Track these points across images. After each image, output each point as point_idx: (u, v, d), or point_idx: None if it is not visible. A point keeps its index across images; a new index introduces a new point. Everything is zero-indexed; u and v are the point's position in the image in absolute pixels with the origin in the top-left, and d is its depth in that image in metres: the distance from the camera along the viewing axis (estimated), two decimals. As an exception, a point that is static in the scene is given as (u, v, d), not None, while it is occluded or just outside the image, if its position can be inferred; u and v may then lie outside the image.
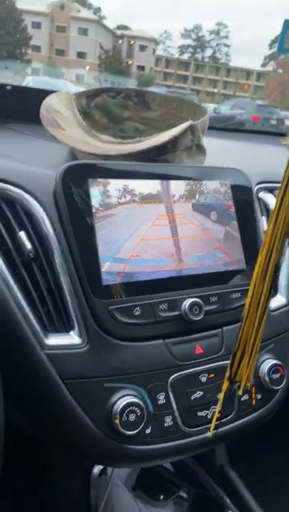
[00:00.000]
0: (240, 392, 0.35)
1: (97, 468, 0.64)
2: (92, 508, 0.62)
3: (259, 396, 0.48)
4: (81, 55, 38.95)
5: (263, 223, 0.57)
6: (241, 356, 0.34)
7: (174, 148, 0.54)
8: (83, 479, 0.63)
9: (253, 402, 0.48)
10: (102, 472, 0.64)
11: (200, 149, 0.59)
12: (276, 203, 0.30)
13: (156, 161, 0.53)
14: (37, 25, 37.78)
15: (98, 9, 50.72)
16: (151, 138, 0.56)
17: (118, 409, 0.39)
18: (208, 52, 51.18)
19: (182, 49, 52.00)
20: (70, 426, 0.40)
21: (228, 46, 51.25)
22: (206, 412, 0.44)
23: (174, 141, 0.53)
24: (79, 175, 0.43)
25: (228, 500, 0.64)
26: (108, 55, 37.10)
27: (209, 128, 0.63)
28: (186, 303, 0.45)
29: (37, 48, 37.15)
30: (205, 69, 48.17)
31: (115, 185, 0.45)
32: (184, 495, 0.62)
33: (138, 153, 0.51)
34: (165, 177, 0.48)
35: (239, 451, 0.68)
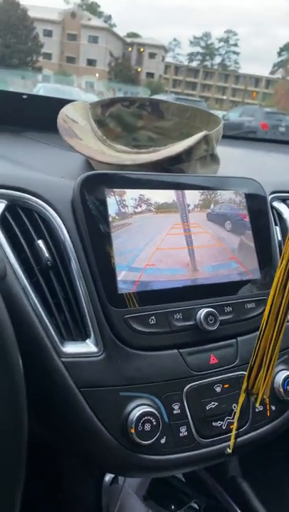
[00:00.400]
0: (257, 405, 0.35)
1: (108, 477, 0.64)
2: (104, 516, 0.62)
3: (274, 407, 0.48)
4: (91, 62, 39.39)
5: (277, 233, 0.57)
6: (258, 368, 0.34)
7: (189, 158, 0.55)
8: (95, 488, 0.63)
9: (268, 414, 0.47)
10: (114, 481, 0.64)
11: (214, 159, 0.59)
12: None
13: (170, 171, 0.53)
14: (48, 33, 38.37)
15: (109, 17, 51.38)
16: (166, 148, 0.56)
17: (134, 419, 0.39)
18: (218, 59, 51.46)
19: (191, 56, 52.34)
20: (86, 434, 0.40)
21: (238, 54, 51.50)
22: (221, 422, 0.44)
23: (189, 151, 0.54)
24: (96, 184, 0.44)
25: (240, 512, 0.63)
26: (118, 63, 37.47)
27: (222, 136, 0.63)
28: (201, 313, 0.45)
29: (48, 56, 37.68)
30: (214, 76, 48.38)
31: (131, 194, 0.46)
32: (196, 506, 0.62)
33: (153, 163, 0.52)
34: (180, 186, 0.49)
35: (251, 463, 0.67)
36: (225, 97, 46.03)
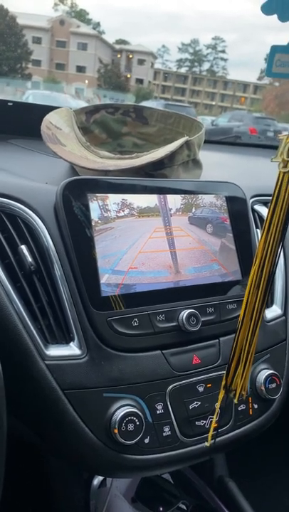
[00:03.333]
0: (235, 401, 0.36)
1: (96, 480, 0.64)
2: (92, 519, 0.62)
3: (256, 406, 0.49)
4: (80, 69, 39.51)
5: (258, 235, 0.58)
6: (236, 365, 0.35)
7: (171, 163, 0.56)
8: (83, 490, 0.63)
9: (251, 412, 0.48)
10: (102, 484, 0.64)
11: (196, 164, 0.61)
12: (267, 214, 0.31)
13: (153, 176, 0.54)
14: (37, 40, 38.41)
15: (97, 24, 51.67)
16: (148, 153, 0.57)
17: (117, 419, 0.40)
18: (206, 65, 52.02)
19: (180, 63, 52.83)
20: (70, 435, 0.40)
21: (225, 60, 52.11)
22: (204, 421, 0.45)
23: (171, 157, 0.55)
24: (79, 190, 0.45)
25: (227, 512, 0.63)
26: (107, 69, 37.63)
27: (206, 142, 0.64)
28: (184, 314, 0.46)
29: (37, 63, 37.70)
30: (203, 82, 48.85)
31: (114, 199, 0.46)
32: (184, 507, 0.62)
33: (136, 169, 0.53)
34: (162, 191, 0.50)
35: (238, 462, 0.68)
36: (214, 103, 46.48)
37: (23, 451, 0.39)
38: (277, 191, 0.31)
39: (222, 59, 52.03)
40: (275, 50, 0.28)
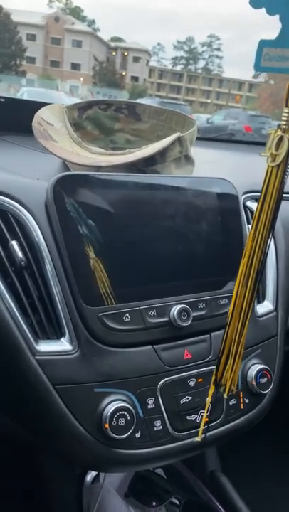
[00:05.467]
0: (225, 396, 0.36)
1: (90, 476, 0.64)
2: (85, 515, 0.62)
3: (247, 400, 0.49)
4: (75, 66, 39.35)
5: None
6: (226, 360, 0.35)
7: (163, 160, 0.56)
8: (76, 486, 0.63)
9: (242, 407, 0.48)
10: (95, 479, 0.64)
11: (188, 160, 0.61)
12: (256, 210, 0.32)
13: (145, 172, 0.54)
14: (32, 37, 38.19)
15: (92, 21, 51.45)
16: (140, 149, 0.57)
17: (108, 414, 0.40)
18: (201, 63, 52.01)
19: (175, 61, 52.79)
20: (61, 431, 0.40)
21: (221, 58, 52.12)
22: (195, 416, 0.45)
23: (163, 153, 0.55)
24: (70, 185, 0.44)
25: (219, 506, 0.64)
26: (102, 67, 37.51)
27: (200, 139, 0.65)
28: (175, 309, 0.46)
29: (32, 60, 37.48)
30: (198, 80, 48.84)
31: (105, 195, 0.46)
32: (176, 501, 0.63)
33: (128, 164, 0.53)
34: (154, 187, 0.50)
35: (231, 457, 0.68)
36: (209, 101, 46.49)
37: (13, 447, 0.39)
38: (265, 185, 0.31)
39: (217, 57, 52.07)
40: (263, 44, 0.28)
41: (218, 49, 52.36)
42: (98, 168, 0.53)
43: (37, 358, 0.40)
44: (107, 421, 0.40)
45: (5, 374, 0.39)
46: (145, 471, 0.63)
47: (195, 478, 0.66)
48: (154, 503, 0.61)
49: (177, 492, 0.63)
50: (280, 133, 0.29)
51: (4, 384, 0.38)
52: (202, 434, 0.42)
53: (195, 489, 0.65)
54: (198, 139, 0.62)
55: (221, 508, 0.63)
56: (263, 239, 0.32)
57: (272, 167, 0.30)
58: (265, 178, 0.31)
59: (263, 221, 0.31)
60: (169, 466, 0.67)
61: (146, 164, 0.55)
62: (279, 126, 0.29)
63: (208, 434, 0.45)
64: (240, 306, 0.33)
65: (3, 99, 0.77)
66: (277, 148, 0.29)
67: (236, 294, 0.33)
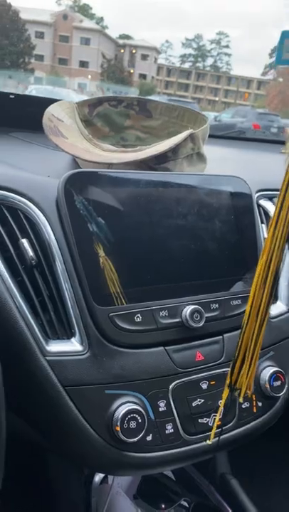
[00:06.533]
0: (240, 400, 0.36)
1: (98, 477, 0.64)
2: (93, 516, 0.61)
3: (260, 403, 0.48)
4: (83, 64, 39.34)
5: (263, 230, 0.57)
6: (241, 363, 0.34)
7: (175, 157, 0.55)
8: (84, 487, 0.63)
9: (254, 410, 0.47)
10: (103, 480, 0.63)
11: (200, 157, 0.60)
12: (275, 210, 0.31)
13: (157, 169, 0.53)
14: (40, 35, 38.24)
15: (101, 19, 51.35)
16: (152, 146, 0.56)
17: (119, 416, 0.39)
18: (209, 61, 51.72)
19: (183, 58, 52.53)
20: (71, 432, 0.40)
21: (229, 55, 51.76)
22: (207, 419, 0.44)
23: (175, 150, 0.54)
24: (81, 183, 0.44)
25: (229, 510, 0.63)
26: (110, 64, 37.45)
27: (210, 136, 0.63)
28: (187, 310, 0.45)
29: (40, 57, 37.54)
30: (206, 77, 48.56)
31: (116, 193, 0.46)
32: (185, 504, 0.62)
33: (139, 162, 0.52)
34: (166, 185, 0.49)
35: (241, 460, 0.67)
36: (217, 99, 46.23)
37: (22, 447, 0.39)
38: (285, 186, 0.30)
39: (226, 54, 51.70)
40: (286, 35, 0.26)
41: (227, 46, 52.01)
42: (109, 165, 0.52)
43: (47, 358, 0.39)
44: (118, 423, 0.39)
45: (15, 374, 0.39)
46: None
47: (205, 481, 0.65)
48: (163, 506, 0.61)
49: (186, 494, 0.62)
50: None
51: (14, 385, 0.37)
52: (214, 437, 0.41)
53: (204, 492, 0.64)
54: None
55: (230, 511, 0.62)
56: (281, 239, 0.31)
57: (293, 165, 0.29)
58: (285, 178, 0.30)
59: (281, 222, 0.30)
60: (178, 468, 0.67)
61: (158, 161, 0.54)
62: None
63: (220, 437, 0.44)
64: (257, 307, 0.32)
65: (13, 96, 0.76)
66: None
67: (253, 295, 0.32)
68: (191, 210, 0.49)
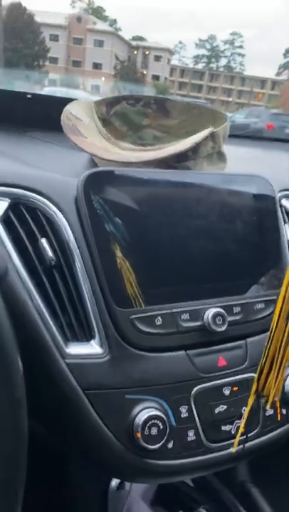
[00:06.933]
0: (267, 407, 0.34)
1: (114, 482, 0.63)
2: (110, 522, 0.60)
3: (284, 411, 0.46)
4: (97, 66, 39.62)
5: (286, 231, 0.55)
6: (269, 370, 0.33)
7: (195, 156, 0.53)
8: (101, 492, 0.62)
9: (279, 418, 0.46)
10: (120, 486, 0.62)
11: (221, 156, 0.58)
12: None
13: (176, 168, 0.52)
14: (54, 38, 38.66)
15: (114, 21, 51.72)
16: (172, 145, 0.55)
17: (140, 422, 0.38)
18: (223, 61, 51.53)
19: (197, 59, 52.49)
20: (91, 438, 0.39)
21: (243, 56, 51.50)
22: (230, 426, 0.43)
23: (195, 149, 0.52)
24: (100, 182, 0.43)
25: (249, 519, 0.61)
26: (123, 66, 37.61)
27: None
28: (209, 313, 0.43)
29: (54, 60, 37.94)
30: (219, 78, 48.37)
31: (136, 192, 0.44)
32: (204, 511, 0.60)
33: (158, 161, 0.51)
34: (186, 184, 0.48)
35: (262, 467, 0.65)
36: (231, 99, 45.99)
37: (41, 452, 0.38)
38: None
39: (239, 54, 51.45)
40: None
41: (241, 46, 51.75)
42: (128, 164, 0.51)
43: (66, 361, 0.38)
44: (139, 430, 0.38)
45: (33, 377, 0.38)
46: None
47: (224, 488, 0.63)
48: (180, 513, 0.59)
49: (205, 502, 0.60)
50: None
51: (33, 387, 0.36)
52: (238, 445, 0.39)
53: (224, 500, 0.63)
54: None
55: (250, 520, 0.60)
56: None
57: None
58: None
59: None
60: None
61: (178, 160, 0.52)
62: None
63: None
64: (287, 313, 0.30)
65: (30, 96, 0.76)
66: None
67: (283, 298, 0.30)
68: (212, 210, 0.48)
